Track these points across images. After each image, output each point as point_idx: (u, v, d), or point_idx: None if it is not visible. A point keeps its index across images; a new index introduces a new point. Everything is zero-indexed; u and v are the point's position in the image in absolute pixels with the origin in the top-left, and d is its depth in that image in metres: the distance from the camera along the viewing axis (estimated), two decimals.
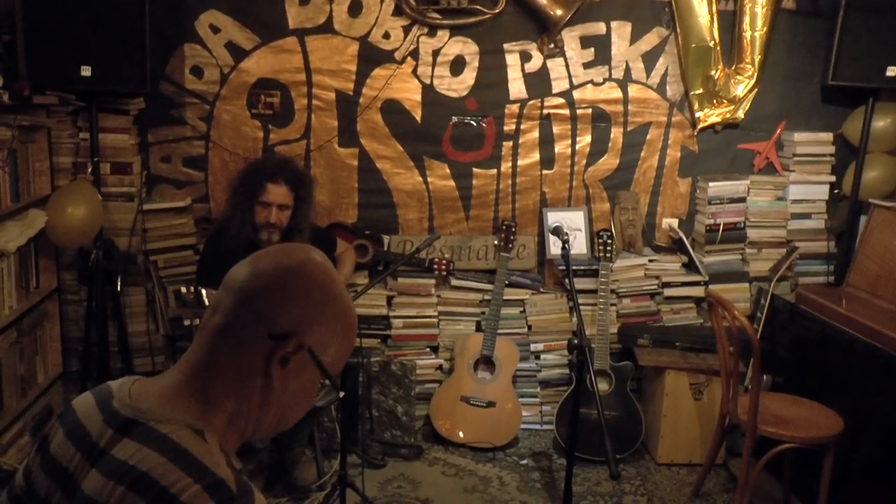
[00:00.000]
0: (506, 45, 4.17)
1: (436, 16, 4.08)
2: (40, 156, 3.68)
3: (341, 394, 1.26)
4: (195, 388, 1.14)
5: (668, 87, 4.27)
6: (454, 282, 4.26)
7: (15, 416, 3.36)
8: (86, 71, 3.54)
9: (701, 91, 4.22)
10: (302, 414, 1.25)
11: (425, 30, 4.12)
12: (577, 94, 4.24)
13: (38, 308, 3.68)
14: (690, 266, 4.30)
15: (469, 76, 4.18)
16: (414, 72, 4.17)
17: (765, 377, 3.87)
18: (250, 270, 1.18)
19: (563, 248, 3.48)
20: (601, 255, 4.10)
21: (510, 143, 4.29)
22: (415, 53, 4.15)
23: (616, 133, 4.30)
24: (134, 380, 1.19)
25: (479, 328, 4.26)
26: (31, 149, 3.60)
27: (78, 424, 1.15)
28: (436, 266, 4.18)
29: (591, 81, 4.23)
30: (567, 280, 3.37)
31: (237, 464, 1.11)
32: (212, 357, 1.15)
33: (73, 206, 3.55)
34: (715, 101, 4.24)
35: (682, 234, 4.31)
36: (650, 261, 4.27)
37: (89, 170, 3.79)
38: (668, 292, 4.28)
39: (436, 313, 4.25)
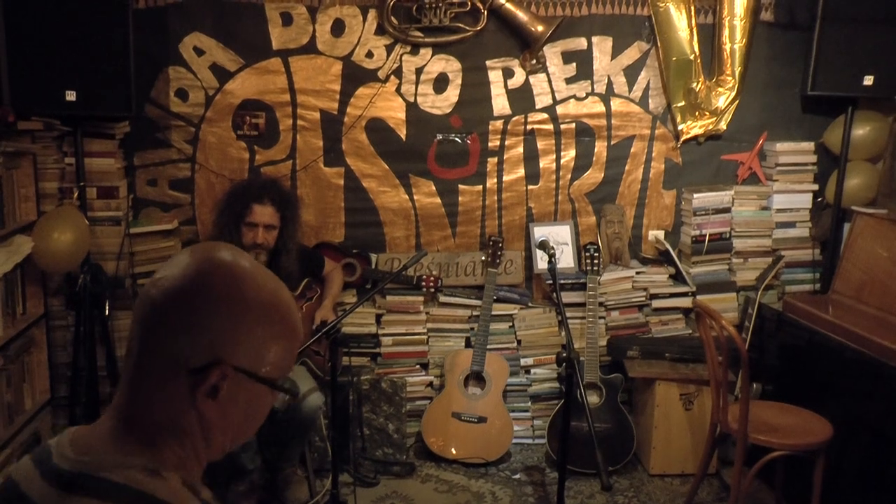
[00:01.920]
0: (488, 62, 4.20)
1: (418, 34, 4.11)
2: (26, 181, 3.67)
3: (299, 395, 1.14)
4: (133, 431, 1.04)
5: (650, 101, 4.31)
6: (442, 298, 4.26)
7: (2, 443, 3.33)
8: (70, 96, 3.54)
9: (683, 104, 4.26)
10: (258, 425, 1.15)
11: (408, 48, 4.15)
12: (560, 110, 4.27)
13: (25, 334, 3.66)
14: (677, 277, 4.32)
15: (452, 93, 4.21)
16: (398, 90, 4.20)
17: (754, 386, 3.88)
18: (149, 294, 1.05)
19: (551, 262, 3.49)
20: (588, 268, 4.12)
21: (495, 160, 4.31)
22: (398, 72, 4.17)
23: (600, 147, 4.33)
24: (71, 431, 1.08)
25: (468, 344, 4.26)
26: (17, 175, 3.59)
27: (18, 496, 1.02)
28: (424, 283, 4.19)
29: (574, 96, 4.27)
30: (555, 294, 3.38)
31: (206, 493, 1.05)
32: (136, 402, 1.05)
33: (60, 232, 3.54)
34: (697, 113, 4.28)
35: (668, 246, 4.33)
36: (637, 273, 4.29)
37: (75, 195, 3.78)
38: (655, 304, 4.30)
39: (425, 330, 4.25)
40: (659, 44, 4.19)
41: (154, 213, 4.18)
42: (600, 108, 4.29)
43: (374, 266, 4.27)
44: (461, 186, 4.33)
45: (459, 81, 4.21)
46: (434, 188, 4.31)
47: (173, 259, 1.09)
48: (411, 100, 4.21)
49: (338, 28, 4.11)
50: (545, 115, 4.28)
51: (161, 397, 1.04)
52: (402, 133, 4.24)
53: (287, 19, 4.08)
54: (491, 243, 4.19)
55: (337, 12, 4.09)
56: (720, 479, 3.94)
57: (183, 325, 1.02)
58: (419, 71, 4.18)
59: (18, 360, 3.59)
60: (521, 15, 4.06)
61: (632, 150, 4.35)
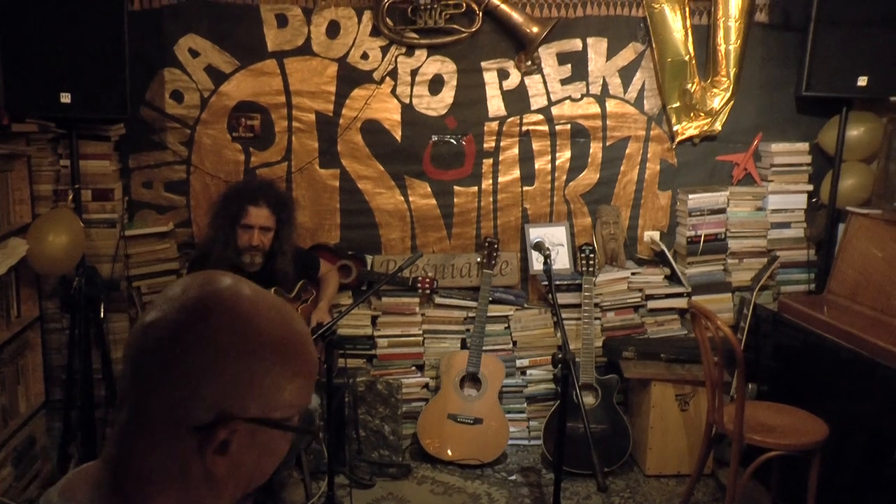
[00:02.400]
0: (483, 64, 4.20)
1: (413, 35, 4.11)
2: (20, 184, 3.66)
3: (319, 432, 1.01)
4: (123, 487, 0.93)
5: (645, 102, 4.31)
6: (438, 300, 4.26)
7: None
8: (65, 98, 3.53)
9: (678, 105, 4.27)
10: (274, 467, 1.03)
11: (403, 50, 4.15)
12: (555, 111, 4.27)
13: (20, 337, 3.65)
14: (673, 278, 4.33)
15: (448, 95, 4.21)
16: (393, 92, 4.20)
17: (750, 386, 3.89)
18: (140, 340, 0.92)
19: (546, 263, 3.49)
20: (584, 269, 4.12)
21: (490, 161, 4.31)
22: (393, 73, 4.17)
23: (595, 148, 4.34)
24: (62, 483, 0.96)
25: (464, 345, 4.26)
26: (11, 177, 3.58)
27: None
28: (419, 285, 4.18)
29: (569, 97, 4.27)
30: (551, 295, 3.38)
31: None
32: (130, 458, 0.93)
33: (55, 234, 3.53)
34: (692, 114, 4.29)
35: (663, 247, 4.34)
36: (633, 274, 4.30)
37: (70, 197, 3.77)
38: (651, 305, 4.30)
39: (420, 332, 4.25)
40: (654, 45, 4.20)
41: (149, 216, 4.17)
42: (595, 109, 4.29)
43: (369, 268, 4.27)
44: (456, 188, 4.33)
45: (454, 83, 4.21)
46: (429, 189, 4.31)
47: (166, 294, 0.96)
48: (406, 101, 4.21)
49: (333, 30, 4.11)
50: (540, 117, 4.28)
51: (159, 454, 0.92)
52: (398, 134, 4.24)
53: (282, 21, 4.08)
54: (486, 245, 4.20)
55: (332, 14, 4.09)
56: (716, 479, 3.94)
57: (181, 379, 0.90)
58: (414, 72, 4.18)
59: (13, 363, 3.59)
60: (516, 16, 4.07)
61: (627, 151, 4.35)
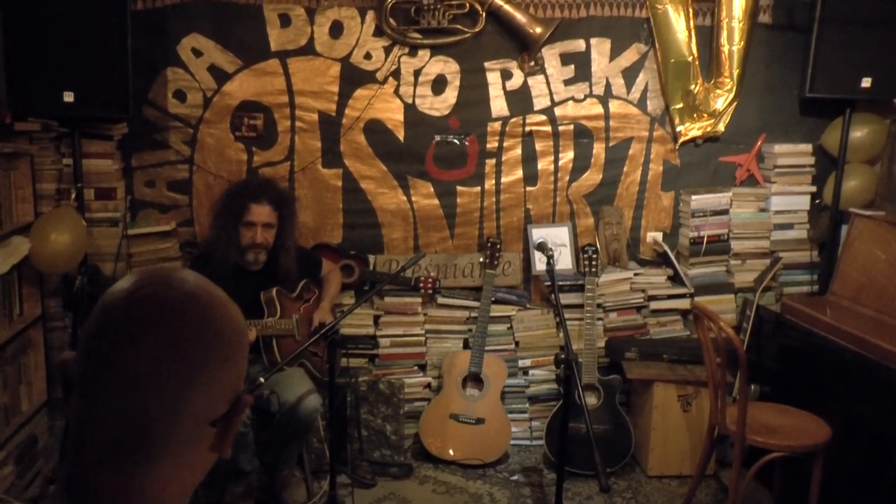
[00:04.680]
0: (486, 64, 4.20)
1: (416, 36, 4.11)
2: (23, 182, 3.66)
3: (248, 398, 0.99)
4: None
5: (648, 103, 4.31)
6: (440, 300, 4.26)
7: None
8: (68, 97, 3.54)
9: (681, 105, 4.27)
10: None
11: (406, 50, 4.15)
12: (558, 111, 4.27)
13: (22, 336, 3.65)
14: (676, 279, 4.32)
15: (451, 95, 4.21)
16: (396, 92, 4.20)
17: (752, 387, 3.88)
18: (134, 357, 0.88)
19: (549, 263, 3.49)
20: (587, 269, 4.12)
21: (493, 161, 4.31)
22: (396, 73, 4.17)
23: (598, 149, 4.33)
24: None
25: (466, 345, 4.26)
26: (14, 176, 3.58)
27: None
28: (422, 285, 4.18)
29: (573, 98, 4.27)
30: (553, 295, 3.38)
31: None
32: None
33: (57, 233, 3.53)
34: (695, 115, 4.28)
35: (666, 248, 4.33)
36: (635, 274, 4.29)
37: (73, 196, 3.77)
38: (654, 305, 4.30)
39: (423, 332, 4.25)
40: (657, 46, 4.20)
41: (152, 215, 4.17)
42: (598, 109, 4.29)
43: (372, 267, 4.27)
44: (459, 188, 4.33)
45: (458, 83, 4.21)
46: (432, 190, 4.31)
47: (124, 311, 0.92)
48: (409, 101, 4.21)
49: (336, 29, 4.11)
50: (543, 117, 4.28)
51: (179, 458, 0.93)
52: (401, 134, 4.24)
53: (285, 21, 4.08)
54: (489, 245, 4.19)
55: (335, 14, 4.09)
56: (718, 480, 3.93)
57: (191, 380, 0.91)
58: (417, 72, 4.18)
59: (15, 362, 3.59)
60: (520, 17, 4.07)
61: (630, 151, 4.35)
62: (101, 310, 0.91)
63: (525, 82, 4.24)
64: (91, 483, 0.88)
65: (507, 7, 4.06)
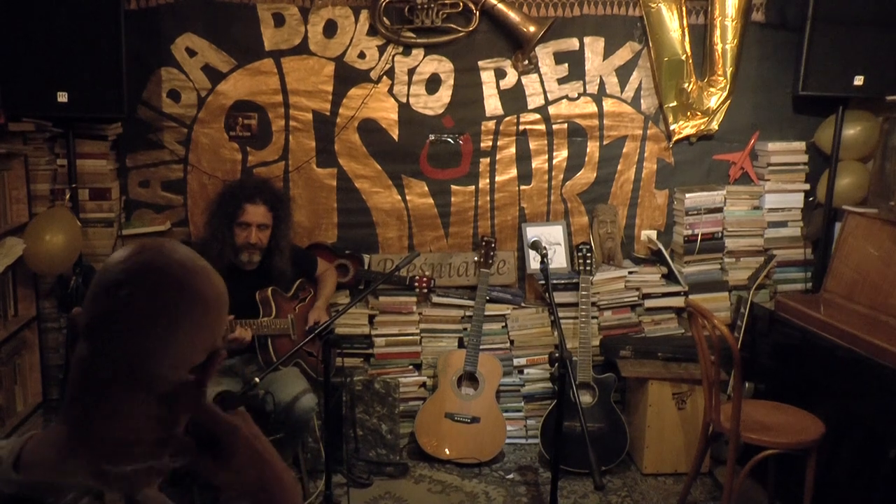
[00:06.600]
0: (480, 63, 4.21)
1: (410, 35, 4.11)
2: (17, 183, 3.66)
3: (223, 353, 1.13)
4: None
5: (642, 101, 4.31)
6: (435, 299, 4.26)
7: None
8: (62, 97, 3.53)
9: (675, 104, 4.27)
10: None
11: (400, 49, 4.15)
12: (552, 110, 4.28)
13: (17, 336, 3.65)
14: (670, 277, 4.33)
15: (445, 94, 4.22)
16: (390, 91, 4.20)
17: (746, 385, 3.90)
18: (127, 310, 1.04)
19: (543, 262, 3.49)
20: (581, 268, 4.13)
21: (487, 160, 4.31)
22: (390, 72, 4.17)
23: (592, 147, 4.34)
24: (26, 438, 1.04)
25: (461, 344, 4.27)
26: (8, 176, 3.59)
27: None
28: (416, 284, 4.19)
29: (566, 97, 4.27)
30: (548, 294, 3.39)
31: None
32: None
33: (52, 234, 3.53)
34: (689, 113, 4.29)
35: (660, 246, 4.34)
36: (630, 273, 4.30)
37: (67, 196, 3.77)
38: (648, 303, 4.30)
39: (418, 331, 4.26)
40: (651, 44, 4.20)
41: (146, 215, 4.17)
42: (592, 108, 4.30)
43: (366, 267, 4.27)
44: (454, 187, 4.33)
45: (451, 82, 4.21)
46: (426, 189, 4.31)
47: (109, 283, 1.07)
48: (403, 100, 4.21)
49: (330, 29, 4.11)
50: (537, 116, 4.28)
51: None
52: (395, 134, 4.24)
53: (279, 20, 4.08)
54: (483, 244, 4.20)
55: (329, 13, 4.09)
56: (713, 477, 3.95)
57: (171, 337, 1.05)
58: (411, 72, 4.19)
59: (10, 363, 3.59)
60: (513, 15, 4.07)
61: (624, 150, 4.36)
62: (103, 272, 1.08)
63: (519, 81, 4.24)
64: (91, 407, 1.03)
65: (501, 6, 4.06)
